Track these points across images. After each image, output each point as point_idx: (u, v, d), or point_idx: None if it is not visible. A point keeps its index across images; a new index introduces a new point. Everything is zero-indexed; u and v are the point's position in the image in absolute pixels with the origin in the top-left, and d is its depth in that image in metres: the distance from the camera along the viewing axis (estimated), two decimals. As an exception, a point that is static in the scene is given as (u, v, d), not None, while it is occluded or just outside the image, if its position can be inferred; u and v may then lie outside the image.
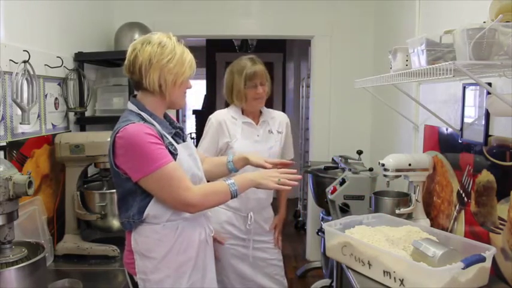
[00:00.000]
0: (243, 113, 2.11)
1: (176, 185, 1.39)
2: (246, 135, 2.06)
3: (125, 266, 1.57)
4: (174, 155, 1.45)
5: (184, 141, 1.59)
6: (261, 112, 2.17)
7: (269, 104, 2.19)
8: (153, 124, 1.46)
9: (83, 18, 2.77)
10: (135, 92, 1.55)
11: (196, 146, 2.05)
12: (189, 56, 1.51)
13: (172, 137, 1.51)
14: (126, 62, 1.50)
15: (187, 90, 1.57)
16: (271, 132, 2.15)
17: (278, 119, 2.20)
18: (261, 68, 2.06)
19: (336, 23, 3.52)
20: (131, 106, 1.50)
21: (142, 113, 1.47)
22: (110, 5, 3.27)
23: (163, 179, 1.38)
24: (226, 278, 2.08)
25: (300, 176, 1.57)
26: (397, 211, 2.04)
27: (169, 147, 1.45)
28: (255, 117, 2.13)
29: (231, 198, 1.48)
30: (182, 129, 1.62)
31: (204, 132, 2.09)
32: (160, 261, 1.47)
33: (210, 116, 2.11)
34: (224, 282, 2.09)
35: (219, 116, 2.10)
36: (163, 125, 1.50)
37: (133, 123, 1.41)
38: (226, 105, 2.18)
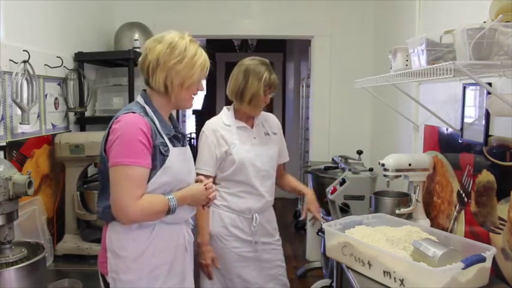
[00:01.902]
0: (236, 117, 2.09)
1: (127, 189, 1.35)
2: (243, 140, 2.04)
3: (98, 265, 1.53)
4: (164, 155, 1.44)
5: (183, 145, 1.57)
6: None
7: (269, 104, 2.18)
8: (153, 120, 1.45)
9: (83, 18, 2.77)
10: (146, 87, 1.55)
11: (196, 146, 2.03)
12: (201, 59, 1.47)
13: (169, 139, 1.49)
14: (140, 59, 1.50)
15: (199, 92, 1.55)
16: (268, 134, 2.13)
17: (270, 120, 2.19)
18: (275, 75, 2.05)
19: (336, 23, 3.52)
20: (139, 98, 1.51)
21: (146, 107, 1.47)
22: (110, 5, 3.27)
23: (122, 175, 1.36)
24: (230, 281, 2.08)
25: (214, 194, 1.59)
26: (397, 211, 2.04)
27: (161, 147, 1.44)
28: (248, 121, 2.10)
29: (165, 215, 1.45)
30: (184, 135, 1.60)
31: (200, 146, 2.04)
32: (133, 261, 1.44)
33: (203, 129, 2.06)
34: (227, 286, 2.09)
35: (211, 126, 2.05)
36: (163, 124, 1.49)
37: (134, 112, 1.41)
38: (227, 105, 2.17)
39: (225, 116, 2.09)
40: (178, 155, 1.49)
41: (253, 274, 2.08)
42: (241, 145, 2.02)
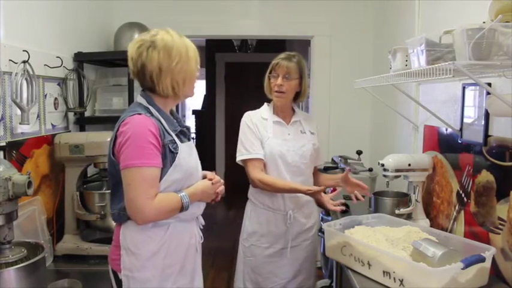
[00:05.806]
0: (274, 112, 2.13)
1: (141, 189, 1.36)
2: (276, 134, 2.08)
3: (109, 262, 1.53)
4: (173, 153, 1.45)
5: (189, 140, 1.59)
6: (294, 112, 2.18)
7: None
8: (159, 120, 1.46)
9: (83, 18, 2.77)
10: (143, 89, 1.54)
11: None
12: (191, 49, 1.49)
13: (176, 135, 1.50)
14: (132, 67, 1.48)
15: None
16: (304, 132, 2.15)
17: (309, 120, 2.22)
18: (288, 63, 2.04)
19: (335, 23, 3.52)
20: (140, 99, 1.51)
21: (150, 107, 1.47)
22: (110, 5, 3.27)
23: (135, 177, 1.37)
24: (259, 276, 2.10)
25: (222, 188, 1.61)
26: (396, 211, 2.05)
27: (170, 146, 1.44)
28: (286, 117, 2.14)
29: (179, 212, 1.47)
30: (188, 129, 1.62)
31: (242, 132, 2.09)
32: (148, 259, 1.45)
33: (243, 118, 2.13)
34: (258, 282, 2.10)
35: (249, 115, 2.13)
36: (169, 122, 1.50)
37: (140, 114, 1.42)
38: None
39: (264, 110, 2.16)
40: (186, 151, 1.51)
41: (285, 269, 2.11)
42: (273, 138, 2.06)
